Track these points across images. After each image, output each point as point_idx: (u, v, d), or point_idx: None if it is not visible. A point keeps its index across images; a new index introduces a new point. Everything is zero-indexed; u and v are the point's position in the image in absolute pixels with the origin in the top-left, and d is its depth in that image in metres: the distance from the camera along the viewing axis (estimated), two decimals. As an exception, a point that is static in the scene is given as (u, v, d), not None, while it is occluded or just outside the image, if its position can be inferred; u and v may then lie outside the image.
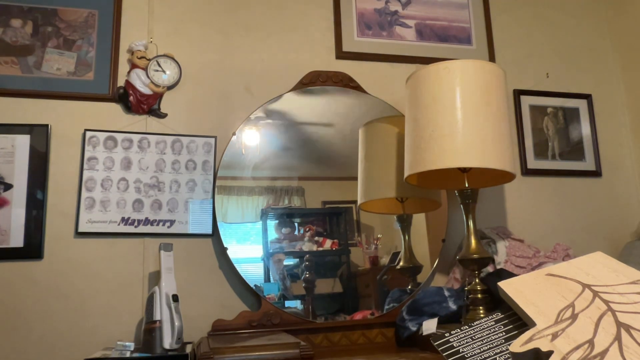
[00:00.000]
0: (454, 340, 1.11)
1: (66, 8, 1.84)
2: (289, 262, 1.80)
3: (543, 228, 2.13)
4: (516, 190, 2.14)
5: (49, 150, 1.72)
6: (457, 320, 1.56)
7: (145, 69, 1.81)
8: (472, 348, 1.08)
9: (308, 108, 1.93)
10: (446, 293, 1.62)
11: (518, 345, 0.88)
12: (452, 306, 1.58)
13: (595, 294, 0.97)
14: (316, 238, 1.84)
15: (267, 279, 1.76)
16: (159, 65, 1.83)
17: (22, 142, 1.70)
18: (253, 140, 1.86)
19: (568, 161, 2.22)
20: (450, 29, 2.21)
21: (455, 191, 1.63)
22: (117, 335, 1.65)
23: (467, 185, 1.58)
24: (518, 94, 2.22)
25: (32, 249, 1.65)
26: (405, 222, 1.90)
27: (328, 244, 1.85)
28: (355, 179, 1.88)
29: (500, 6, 2.32)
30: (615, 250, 2.13)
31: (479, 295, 1.51)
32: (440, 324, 1.53)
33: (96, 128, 1.77)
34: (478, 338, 1.10)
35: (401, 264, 1.86)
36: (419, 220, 1.92)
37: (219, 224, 1.76)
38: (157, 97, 1.83)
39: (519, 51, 2.29)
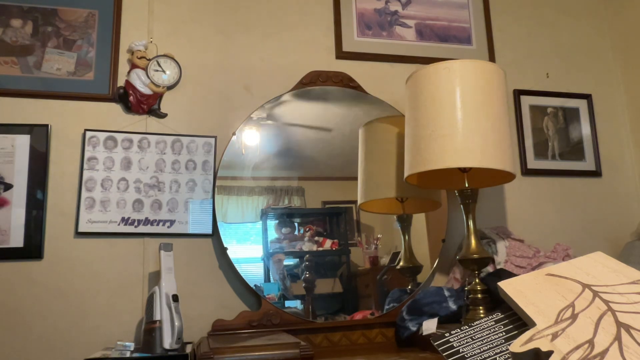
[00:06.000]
0: (454, 340, 1.11)
1: (66, 8, 1.84)
2: (289, 262, 1.80)
3: (543, 228, 2.13)
4: (516, 190, 2.14)
5: (49, 150, 1.72)
6: (457, 320, 1.56)
7: (145, 69, 1.81)
8: (472, 348, 1.08)
9: (308, 108, 1.93)
10: (446, 293, 1.62)
11: (518, 345, 0.88)
12: (452, 306, 1.58)
13: (595, 294, 0.97)
14: (316, 238, 1.84)
15: (267, 279, 1.76)
16: (159, 65, 1.83)
17: (22, 142, 1.70)
18: (253, 140, 1.86)
19: (568, 161, 2.22)
20: (450, 29, 2.21)
21: (455, 191, 1.63)
22: (117, 335, 1.65)
23: (467, 185, 1.58)
24: (518, 94, 2.22)
25: (32, 249, 1.65)
26: (405, 222, 1.90)
27: (328, 244, 1.84)
28: (355, 179, 1.88)
29: (500, 6, 2.32)
30: (615, 250, 2.13)
31: (479, 295, 1.51)
32: (440, 324, 1.53)
33: (96, 128, 1.77)
34: (478, 338, 1.10)
35: (401, 264, 1.86)
36: (419, 220, 1.92)
37: (219, 224, 1.76)
38: (157, 97, 1.83)
39: (519, 51, 2.29)
